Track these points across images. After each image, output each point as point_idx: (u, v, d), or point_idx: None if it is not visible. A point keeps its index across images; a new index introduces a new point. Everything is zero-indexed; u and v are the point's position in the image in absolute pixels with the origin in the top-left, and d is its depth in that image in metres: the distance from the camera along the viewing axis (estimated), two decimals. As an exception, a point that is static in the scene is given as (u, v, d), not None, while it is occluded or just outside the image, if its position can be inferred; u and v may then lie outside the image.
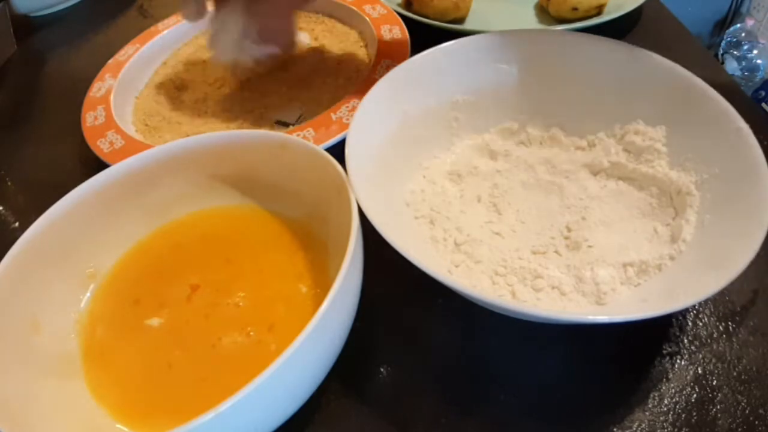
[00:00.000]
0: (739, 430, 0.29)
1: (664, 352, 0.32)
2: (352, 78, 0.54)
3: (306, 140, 0.35)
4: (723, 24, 1.45)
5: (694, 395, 0.30)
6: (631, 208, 0.37)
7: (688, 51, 0.55)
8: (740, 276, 0.26)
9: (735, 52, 1.37)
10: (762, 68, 1.34)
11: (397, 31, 0.55)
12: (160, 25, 0.64)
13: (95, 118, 0.52)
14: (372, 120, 0.36)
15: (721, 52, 1.39)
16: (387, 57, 0.52)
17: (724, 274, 0.26)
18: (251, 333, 0.32)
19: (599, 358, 0.32)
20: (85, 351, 0.33)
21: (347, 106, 0.47)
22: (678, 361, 0.31)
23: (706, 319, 0.33)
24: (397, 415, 0.31)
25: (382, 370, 0.33)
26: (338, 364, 0.29)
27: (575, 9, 0.55)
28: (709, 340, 0.32)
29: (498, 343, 0.33)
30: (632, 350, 0.32)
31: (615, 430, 0.29)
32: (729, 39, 1.39)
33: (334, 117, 0.46)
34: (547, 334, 0.33)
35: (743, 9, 1.41)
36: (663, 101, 0.38)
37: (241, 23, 0.46)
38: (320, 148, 0.34)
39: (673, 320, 0.33)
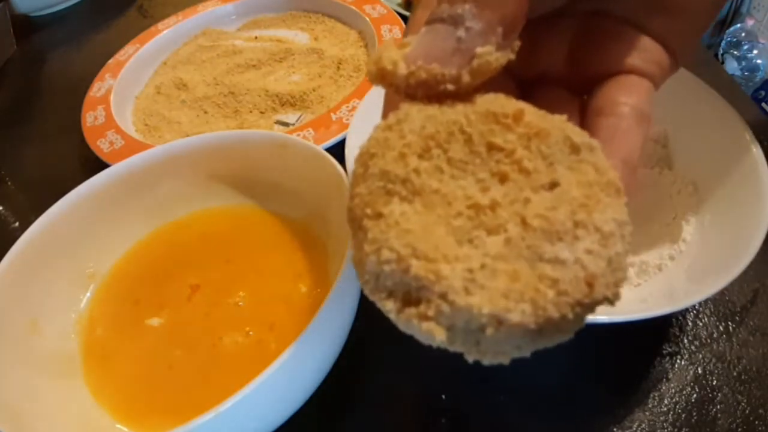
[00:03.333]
0: (739, 430, 0.29)
1: (664, 352, 0.32)
2: (352, 78, 0.54)
3: (306, 140, 0.35)
4: (723, 24, 1.45)
5: (694, 395, 0.30)
6: (631, 208, 0.37)
7: (688, 51, 0.55)
8: (740, 276, 0.26)
9: (735, 52, 1.37)
10: (762, 68, 1.34)
11: (397, 31, 0.55)
12: (160, 24, 0.64)
13: (95, 118, 0.52)
14: (372, 120, 0.36)
15: (721, 51, 1.39)
16: (387, 57, 0.52)
17: (724, 274, 0.26)
18: (251, 333, 0.32)
19: (599, 358, 0.32)
20: (85, 351, 0.33)
21: (347, 106, 0.47)
22: (678, 361, 0.31)
23: (706, 319, 0.33)
24: (396, 415, 0.31)
25: (381, 369, 0.33)
26: (338, 364, 0.29)
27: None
28: (709, 340, 0.32)
29: (498, 343, 0.33)
30: (632, 350, 0.32)
31: (615, 430, 0.29)
32: (729, 39, 1.39)
33: (334, 117, 0.46)
34: (547, 334, 0.33)
35: (743, 9, 1.41)
36: (663, 101, 0.37)
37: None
38: (320, 148, 0.34)
39: (673, 320, 0.33)
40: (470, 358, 0.16)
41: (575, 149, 0.17)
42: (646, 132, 0.21)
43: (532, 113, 0.18)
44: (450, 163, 0.17)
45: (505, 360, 0.16)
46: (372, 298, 0.17)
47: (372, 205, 0.17)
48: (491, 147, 0.17)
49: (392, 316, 0.17)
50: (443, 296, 0.15)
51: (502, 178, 0.17)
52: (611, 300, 0.16)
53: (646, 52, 0.21)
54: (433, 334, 0.16)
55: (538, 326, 0.15)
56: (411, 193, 0.17)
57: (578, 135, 0.18)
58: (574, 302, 0.15)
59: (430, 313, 0.15)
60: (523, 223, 0.16)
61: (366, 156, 0.18)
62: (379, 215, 0.16)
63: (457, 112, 0.18)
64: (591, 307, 0.15)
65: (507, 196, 0.17)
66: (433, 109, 0.18)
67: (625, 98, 0.21)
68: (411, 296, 0.16)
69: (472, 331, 0.15)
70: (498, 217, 0.16)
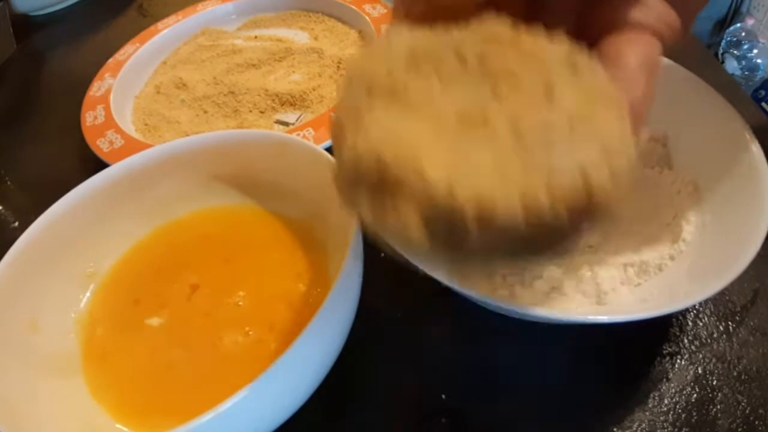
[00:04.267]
0: (740, 430, 0.29)
1: (664, 352, 0.32)
2: (352, 77, 0.54)
3: (306, 140, 0.35)
4: (723, 23, 1.45)
5: (695, 395, 0.30)
6: (631, 208, 0.37)
7: (688, 50, 0.55)
8: (740, 275, 0.26)
9: (735, 52, 1.37)
10: (762, 68, 1.34)
11: (397, 31, 0.55)
12: (159, 24, 0.64)
13: (95, 117, 0.52)
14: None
15: (721, 51, 1.39)
16: (387, 56, 0.52)
17: (725, 274, 0.26)
18: (251, 332, 0.32)
19: (599, 358, 0.32)
20: (84, 351, 0.33)
21: (347, 106, 0.47)
22: (678, 361, 0.31)
23: (706, 318, 0.33)
24: (396, 415, 0.31)
25: (381, 369, 0.33)
26: (338, 364, 0.29)
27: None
28: (709, 340, 0.32)
29: (497, 343, 0.33)
30: (632, 350, 0.32)
31: (615, 430, 0.29)
32: (729, 38, 1.39)
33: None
34: (546, 334, 0.33)
35: (743, 8, 1.41)
36: (663, 101, 0.37)
37: None
38: (320, 147, 0.34)
39: (674, 320, 0.33)
40: (454, 278, 0.15)
41: (575, 69, 0.16)
42: (652, 86, 0.19)
43: (530, 37, 0.17)
44: (441, 79, 0.16)
45: (493, 267, 0.15)
46: (347, 199, 0.16)
47: (355, 109, 0.16)
48: (486, 66, 0.16)
49: (368, 217, 0.15)
50: (424, 190, 0.14)
51: (496, 95, 0.16)
52: (610, 212, 0.15)
53: (655, 9, 0.21)
54: (412, 232, 0.14)
55: (529, 224, 0.13)
56: (399, 103, 0.16)
57: (579, 56, 0.17)
58: (570, 205, 0.14)
59: (409, 209, 0.14)
60: (517, 132, 0.15)
61: (354, 71, 0.17)
62: (361, 117, 0.16)
63: (451, 34, 0.17)
64: (588, 215, 0.14)
65: (500, 111, 0.15)
66: (426, 30, 0.17)
67: (633, 49, 0.20)
68: (389, 194, 0.15)
69: (456, 231, 0.14)
70: (489, 125, 0.15)
